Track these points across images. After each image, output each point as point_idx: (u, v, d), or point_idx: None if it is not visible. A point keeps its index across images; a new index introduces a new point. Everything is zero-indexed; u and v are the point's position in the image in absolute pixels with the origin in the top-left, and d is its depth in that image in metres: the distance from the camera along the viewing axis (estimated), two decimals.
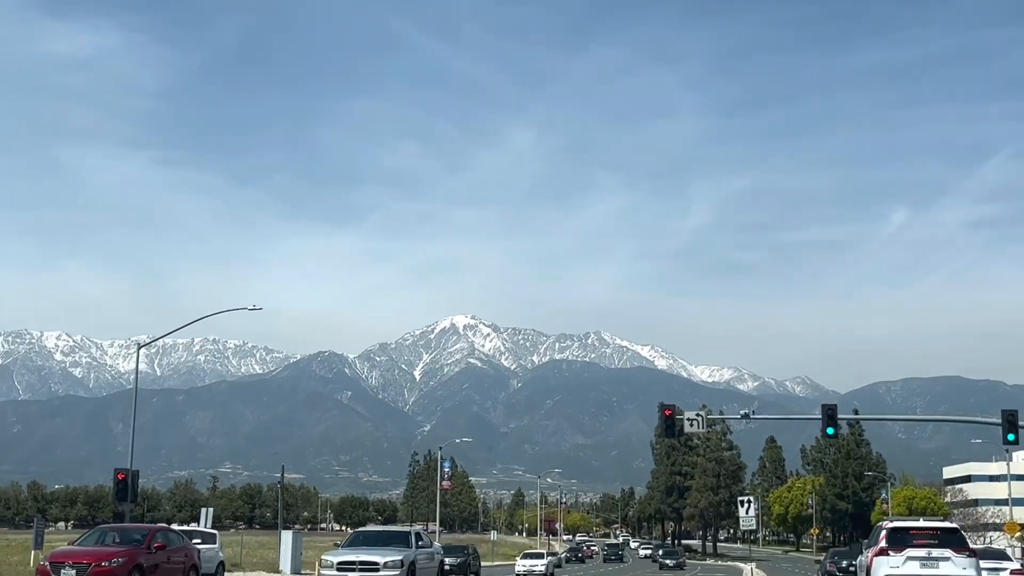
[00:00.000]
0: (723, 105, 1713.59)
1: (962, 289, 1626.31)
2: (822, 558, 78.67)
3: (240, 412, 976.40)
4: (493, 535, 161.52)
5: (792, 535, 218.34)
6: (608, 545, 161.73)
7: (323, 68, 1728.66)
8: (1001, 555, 54.09)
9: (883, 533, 34.06)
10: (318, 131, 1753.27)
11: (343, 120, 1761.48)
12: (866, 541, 39.11)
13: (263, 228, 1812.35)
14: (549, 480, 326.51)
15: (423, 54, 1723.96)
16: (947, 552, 31.90)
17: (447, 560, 62.14)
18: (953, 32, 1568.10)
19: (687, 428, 58.48)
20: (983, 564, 37.97)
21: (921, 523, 35.37)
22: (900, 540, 32.81)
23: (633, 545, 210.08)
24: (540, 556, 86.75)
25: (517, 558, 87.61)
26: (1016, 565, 53.39)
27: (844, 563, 56.20)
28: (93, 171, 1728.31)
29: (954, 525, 34.88)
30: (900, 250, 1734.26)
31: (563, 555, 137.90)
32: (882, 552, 32.36)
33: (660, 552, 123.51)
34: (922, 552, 31.88)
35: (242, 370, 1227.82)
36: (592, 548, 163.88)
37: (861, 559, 37.68)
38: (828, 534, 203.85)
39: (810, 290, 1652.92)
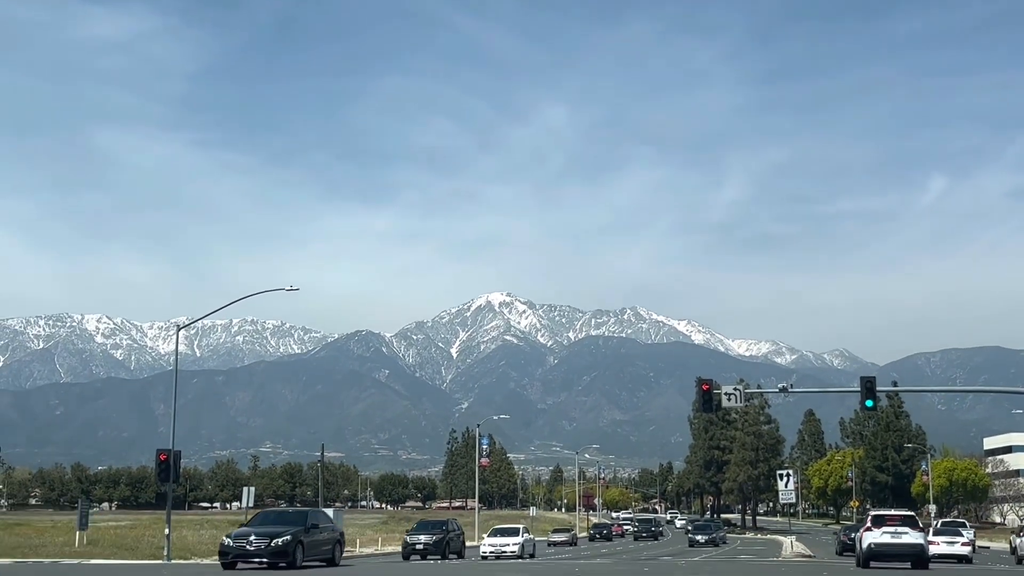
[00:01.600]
0: (758, 76, 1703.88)
1: (1002, 258, 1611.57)
2: (838, 531, 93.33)
3: (279, 392, 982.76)
4: (532, 511, 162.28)
5: (832, 508, 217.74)
6: (640, 521, 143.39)
7: (356, 46, 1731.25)
8: (957, 530, 70.24)
9: (869, 518, 51.01)
10: (352, 110, 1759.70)
11: (377, 98, 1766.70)
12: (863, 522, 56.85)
13: (299, 208, 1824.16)
14: (587, 456, 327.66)
15: (455, 30, 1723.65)
16: (907, 528, 48.40)
17: (421, 538, 64.60)
18: None
19: (725, 402, 58.39)
20: (941, 537, 65.23)
21: (892, 512, 53.03)
22: (879, 522, 49.39)
23: (679, 523, 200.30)
24: (514, 533, 71.21)
25: (484, 535, 72.27)
26: (970, 536, 70.68)
27: (852, 535, 67.51)
28: (131, 154, 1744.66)
29: (911, 513, 51.96)
30: (939, 220, 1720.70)
31: (588, 532, 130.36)
32: (868, 529, 49.34)
33: (691, 527, 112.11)
34: (892, 529, 48.50)
35: (280, 350, 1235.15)
36: (624, 526, 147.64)
37: (857, 534, 54.85)
38: (868, 506, 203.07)
39: (848, 262, 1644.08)
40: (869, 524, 49.73)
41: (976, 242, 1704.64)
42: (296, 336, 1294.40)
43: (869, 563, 48.94)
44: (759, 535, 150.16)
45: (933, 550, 57.21)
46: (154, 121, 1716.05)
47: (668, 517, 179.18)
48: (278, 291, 60.80)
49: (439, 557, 62.87)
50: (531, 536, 74.02)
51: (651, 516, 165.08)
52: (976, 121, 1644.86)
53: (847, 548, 71.85)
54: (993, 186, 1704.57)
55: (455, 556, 64.80)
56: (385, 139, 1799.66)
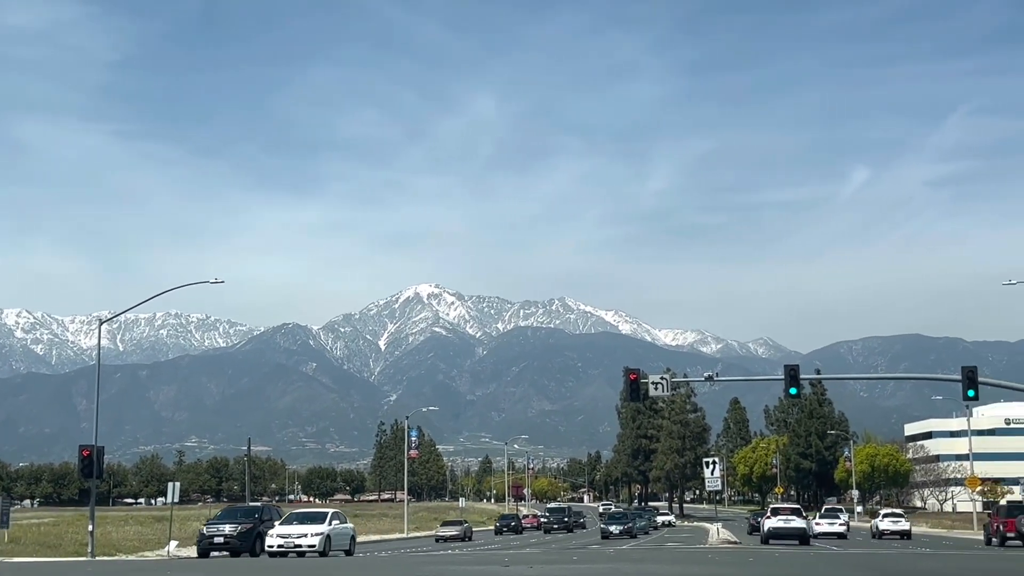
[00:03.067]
0: (685, 68, 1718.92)
1: (922, 247, 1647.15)
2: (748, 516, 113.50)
3: (205, 386, 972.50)
4: (462, 502, 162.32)
5: (757, 495, 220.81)
6: (551, 511, 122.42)
7: (283, 36, 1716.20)
8: (836, 514, 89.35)
9: (769, 509, 71.84)
10: (279, 100, 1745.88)
11: (304, 89, 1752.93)
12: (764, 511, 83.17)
13: (225, 200, 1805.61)
14: (516, 446, 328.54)
15: (383, 20, 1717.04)
16: (794, 516, 68.00)
17: (225, 529, 52.28)
18: None
19: (652, 392, 58.95)
20: (825, 520, 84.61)
21: (784, 505, 76.08)
22: (775, 512, 69.81)
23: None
24: (316, 519, 50.91)
25: (276, 523, 51.30)
26: (845, 519, 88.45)
27: (758, 520, 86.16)
28: (51, 146, 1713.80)
29: (798, 506, 72.40)
30: (862, 210, 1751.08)
31: (495, 524, 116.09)
32: (768, 517, 69.90)
33: (605, 516, 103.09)
34: (784, 517, 68.15)
35: (206, 344, 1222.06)
36: (540, 517, 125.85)
37: (761, 520, 76.08)
38: (792, 493, 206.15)
39: (773, 252, 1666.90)
40: (768, 513, 71.21)
41: (897, 231, 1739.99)
42: (221, 329, 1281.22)
43: (768, 541, 67.25)
44: (686, 522, 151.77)
45: (817, 530, 77.89)
46: (75, 112, 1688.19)
47: (601, 508, 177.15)
48: (203, 284, 60.21)
49: (248, 553, 51.00)
50: (347, 526, 53.47)
51: (564, 506, 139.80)
52: (897, 112, 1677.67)
53: (755, 529, 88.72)
54: (914, 176, 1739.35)
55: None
56: (313, 130, 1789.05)
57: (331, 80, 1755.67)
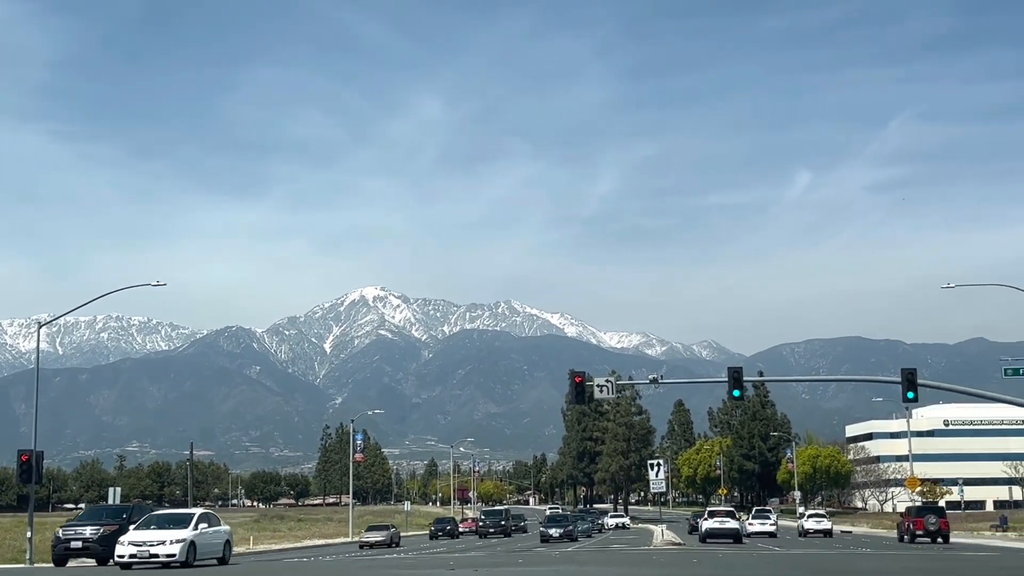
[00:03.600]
0: (629, 71, 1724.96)
1: (863, 251, 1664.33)
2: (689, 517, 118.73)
3: (146, 390, 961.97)
4: (407, 506, 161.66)
5: (701, 496, 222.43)
6: (487, 514, 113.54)
7: (227, 37, 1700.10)
8: (767, 515, 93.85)
9: (706, 511, 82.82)
10: (222, 101, 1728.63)
11: (247, 89, 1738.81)
12: (704, 512, 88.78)
13: (168, 201, 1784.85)
14: (462, 449, 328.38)
15: (328, 21, 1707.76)
16: (728, 518, 76.50)
17: (86, 532, 46.90)
18: None
19: (597, 394, 59.10)
20: (756, 521, 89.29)
21: (720, 508, 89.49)
22: (712, 514, 78.88)
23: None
24: (179, 522, 43.00)
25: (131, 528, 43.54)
26: (774, 519, 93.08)
27: (697, 521, 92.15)
28: None
29: (732, 509, 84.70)
30: (804, 213, 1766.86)
31: (430, 528, 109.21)
32: (705, 519, 78.04)
33: (544, 519, 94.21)
34: (720, 518, 76.28)
35: (147, 347, 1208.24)
36: (475, 520, 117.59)
37: (700, 521, 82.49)
38: (736, 494, 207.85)
39: (717, 255, 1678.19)
40: (706, 515, 79.94)
41: (838, 235, 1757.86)
42: (163, 332, 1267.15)
43: (705, 540, 74.13)
44: (631, 524, 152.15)
45: (750, 529, 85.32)
46: (12, 111, 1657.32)
47: (548, 511, 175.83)
48: (144, 287, 59.56)
49: (109, 559, 44.45)
50: (222, 529, 45.54)
51: (502, 509, 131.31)
52: (839, 117, 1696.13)
53: (694, 530, 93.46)
54: (855, 180, 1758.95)
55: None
56: (257, 131, 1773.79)
57: (276, 81, 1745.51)
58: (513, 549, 66.99)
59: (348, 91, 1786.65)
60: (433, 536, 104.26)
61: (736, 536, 73.85)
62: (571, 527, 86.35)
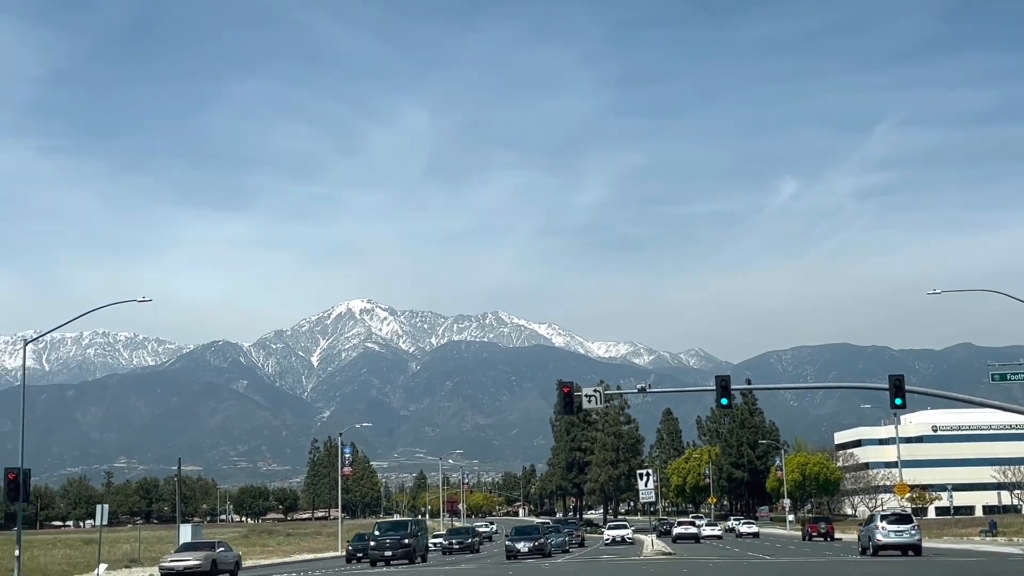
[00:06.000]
0: (614, 80, 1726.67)
1: (850, 258, 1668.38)
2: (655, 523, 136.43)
3: (133, 405, 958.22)
4: (395, 518, 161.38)
5: (691, 505, 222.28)
6: (452, 532, 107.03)
7: (211, 50, 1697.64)
8: (716, 522, 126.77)
9: (676, 520, 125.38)
10: (207, 114, 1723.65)
11: (232, 102, 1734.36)
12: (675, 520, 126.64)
13: (153, 216, 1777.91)
14: (451, 461, 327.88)
15: (312, 34, 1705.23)
16: (692, 525, 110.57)
17: None
18: (836, 5, 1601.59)
19: (585, 404, 59.02)
20: (708, 528, 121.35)
21: (688, 518, 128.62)
22: (680, 523, 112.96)
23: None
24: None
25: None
26: (721, 526, 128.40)
27: (665, 527, 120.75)
28: None
29: (700, 516, 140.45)
30: (790, 221, 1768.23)
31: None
32: (676, 525, 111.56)
33: (511, 532, 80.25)
34: (687, 524, 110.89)
35: (134, 363, 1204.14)
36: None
37: (671, 527, 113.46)
38: (725, 502, 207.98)
39: (703, 263, 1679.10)
40: (677, 523, 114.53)
41: (825, 242, 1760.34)
42: (150, 348, 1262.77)
43: (676, 540, 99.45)
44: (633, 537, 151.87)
45: (706, 532, 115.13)
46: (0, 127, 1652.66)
47: (538, 523, 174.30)
48: (130, 302, 59.33)
49: None
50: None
51: (468, 526, 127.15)
52: (824, 124, 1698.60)
53: (665, 533, 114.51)
54: (841, 188, 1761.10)
55: None
56: (241, 144, 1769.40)
57: (260, 94, 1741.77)
58: (487, 563, 65.99)
59: (333, 103, 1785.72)
60: (350, 558, 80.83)
61: (696, 537, 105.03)
62: (542, 540, 75.27)
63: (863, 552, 63.73)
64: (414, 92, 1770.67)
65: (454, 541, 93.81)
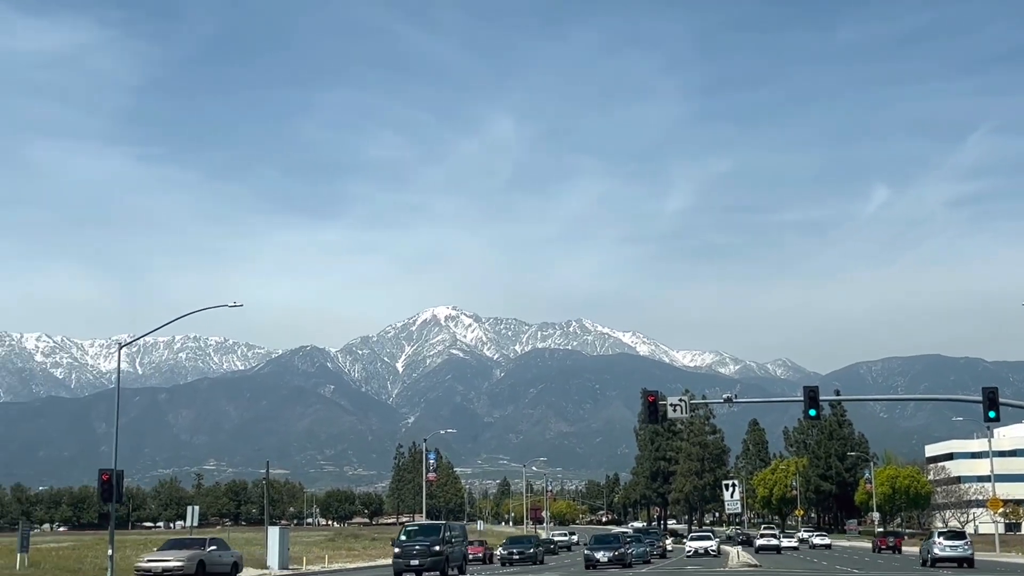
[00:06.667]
0: (701, 87, 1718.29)
1: (942, 267, 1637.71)
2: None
3: (223, 409, 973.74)
4: (480, 525, 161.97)
5: (777, 517, 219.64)
6: (513, 540, 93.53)
7: (302, 59, 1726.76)
8: (791, 534, 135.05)
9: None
10: (298, 123, 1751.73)
11: (323, 111, 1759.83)
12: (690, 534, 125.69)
13: (244, 223, 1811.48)
14: (534, 468, 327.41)
15: (401, 43, 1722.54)
16: (773, 538, 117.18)
17: None
18: (929, 7, 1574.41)
19: (670, 413, 58.68)
20: (794, 537, 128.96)
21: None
22: (763, 534, 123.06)
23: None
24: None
25: None
26: (799, 536, 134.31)
27: (741, 537, 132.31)
28: (71, 169, 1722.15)
29: (775, 530, 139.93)
30: (881, 229, 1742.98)
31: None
32: (759, 537, 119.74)
33: (591, 540, 78.14)
34: (770, 536, 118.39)
35: (224, 367, 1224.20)
36: (483, 546, 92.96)
37: (750, 539, 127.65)
38: (813, 515, 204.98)
39: (791, 272, 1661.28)
40: (759, 534, 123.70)
41: (917, 251, 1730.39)
42: (240, 352, 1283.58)
43: (759, 551, 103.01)
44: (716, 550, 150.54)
45: (759, 543, 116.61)
46: (95, 135, 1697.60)
47: (629, 529, 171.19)
48: (221, 307, 60.33)
49: None
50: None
51: (530, 534, 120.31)
52: (917, 131, 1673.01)
53: (746, 543, 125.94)
54: (933, 195, 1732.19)
55: None
56: (331, 152, 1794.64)
57: (349, 102, 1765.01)
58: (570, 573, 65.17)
59: (420, 111, 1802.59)
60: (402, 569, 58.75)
61: (777, 548, 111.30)
62: (623, 550, 72.70)
63: (923, 564, 71.14)
64: (499, 99, 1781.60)
65: (514, 551, 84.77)
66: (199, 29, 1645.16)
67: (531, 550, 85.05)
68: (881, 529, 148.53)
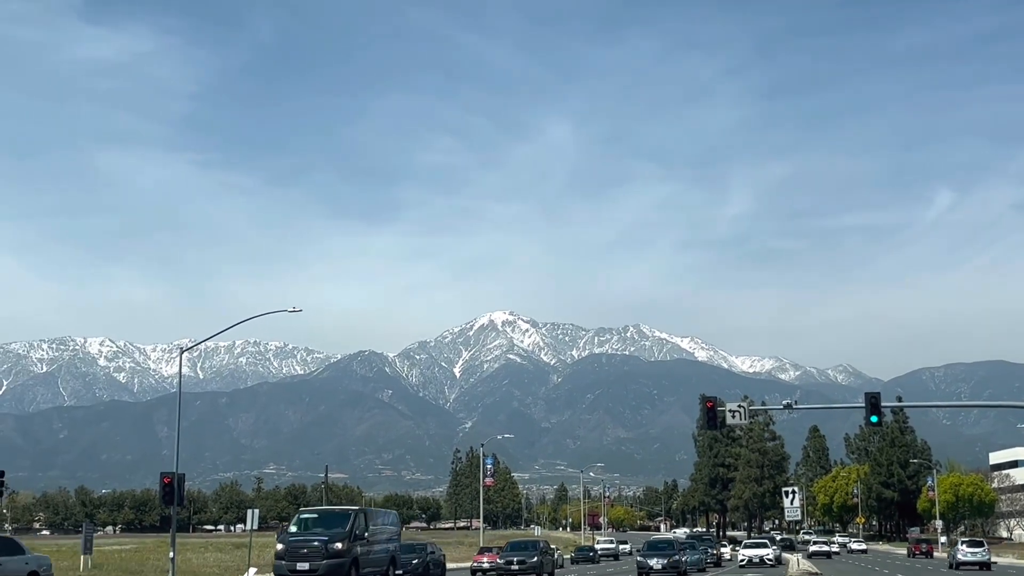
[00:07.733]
0: (762, 91, 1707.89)
1: (1007, 272, 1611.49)
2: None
3: (282, 413, 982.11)
4: (537, 530, 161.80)
5: (837, 525, 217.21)
6: (513, 544, 75.40)
7: (357, 65, 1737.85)
8: (830, 540, 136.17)
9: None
10: (354, 129, 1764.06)
11: (379, 117, 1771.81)
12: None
13: (302, 228, 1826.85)
14: (592, 474, 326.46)
15: (457, 48, 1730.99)
16: (825, 545, 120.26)
17: None
18: (993, 10, 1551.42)
19: (729, 420, 58.11)
20: (835, 543, 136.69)
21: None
22: (816, 541, 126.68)
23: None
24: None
25: None
26: (840, 541, 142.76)
27: (787, 543, 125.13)
28: (132, 175, 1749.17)
29: (809, 534, 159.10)
30: (944, 234, 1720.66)
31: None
32: (812, 544, 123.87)
33: (644, 546, 72.74)
34: (822, 543, 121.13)
35: (283, 371, 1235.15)
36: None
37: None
38: (874, 523, 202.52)
39: (852, 277, 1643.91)
40: (812, 540, 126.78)
41: (981, 256, 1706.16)
42: (299, 357, 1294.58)
43: (811, 557, 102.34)
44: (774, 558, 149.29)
45: (824, 549, 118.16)
46: (156, 142, 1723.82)
47: (673, 535, 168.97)
48: (281, 312, 60.78)
49: None
50: None
51: (533, 538, 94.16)
52: (981, 134, 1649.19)
53: (790, 548, 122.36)
54: (998, 200, 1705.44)
55: None
56: (387, 158, 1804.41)
57: (405, 108, 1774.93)
58: None
59: (476, 116, 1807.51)
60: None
61: (828, 555, 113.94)
62: (677, 557, 67.08)
63: (950, 567, 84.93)
64: (556, 104, 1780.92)
65: (514, 560, 68.21)
66: (256, 37, 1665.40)
67: (535, 558, 68.68)
68: (944, 539, 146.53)
